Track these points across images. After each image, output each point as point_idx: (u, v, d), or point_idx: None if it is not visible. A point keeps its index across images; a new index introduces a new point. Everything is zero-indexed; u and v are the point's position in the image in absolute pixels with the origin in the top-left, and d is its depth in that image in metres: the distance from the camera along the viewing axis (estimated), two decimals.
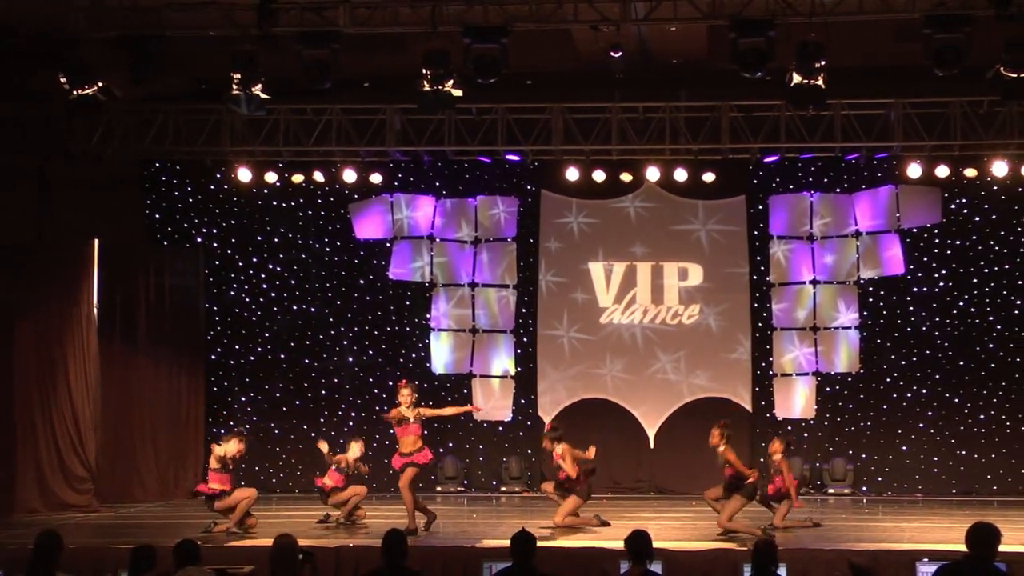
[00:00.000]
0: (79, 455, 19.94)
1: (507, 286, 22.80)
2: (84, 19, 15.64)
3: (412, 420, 16.77)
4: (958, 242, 21.87)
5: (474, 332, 22.79)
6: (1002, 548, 8.52)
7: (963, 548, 8.41)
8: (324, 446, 17.88)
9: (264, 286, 22.80)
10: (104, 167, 20.31)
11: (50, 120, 18.85)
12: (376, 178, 21.39)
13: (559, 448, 17.26)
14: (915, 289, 21.98)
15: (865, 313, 22.14)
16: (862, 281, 22.14)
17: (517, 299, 22.78)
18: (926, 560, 12.49)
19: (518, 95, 19.67)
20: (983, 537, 8.33)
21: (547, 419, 22.32)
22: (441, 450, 22.43)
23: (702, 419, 21.79)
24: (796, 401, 22.15)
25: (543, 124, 19.78)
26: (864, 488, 21.85)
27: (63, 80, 15.43)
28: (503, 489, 22.32)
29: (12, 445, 19.33)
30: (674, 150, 19.99)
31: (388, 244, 22.69)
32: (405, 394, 16.86)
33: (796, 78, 15.16)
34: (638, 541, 9.40)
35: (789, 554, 10.39)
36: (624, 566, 9.68)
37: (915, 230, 21.90)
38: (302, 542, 9.86)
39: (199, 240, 22.64)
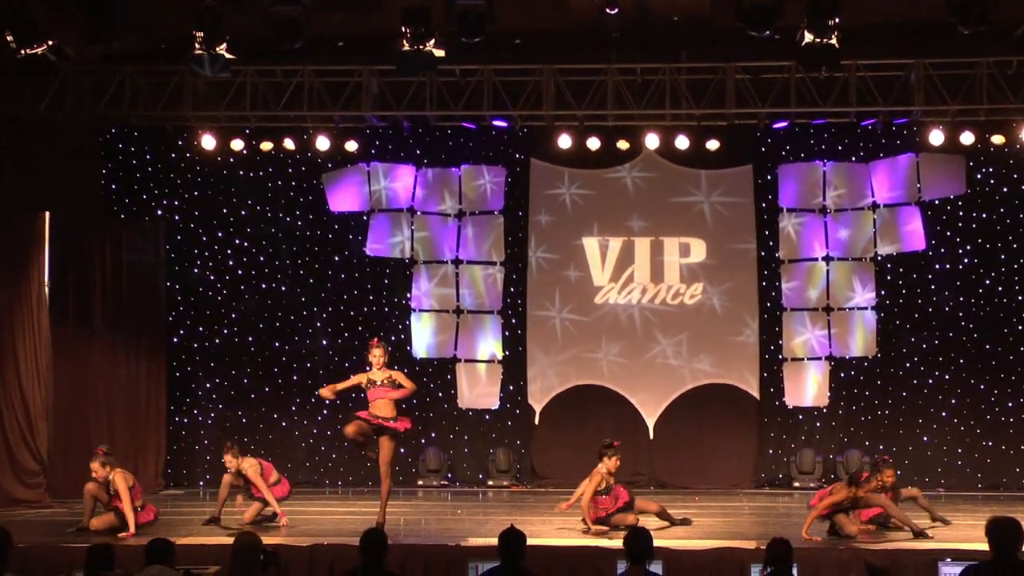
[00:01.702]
0: (29, 446, 19.89)
1: (494, 263, 22.77)
2: None
3: (380, 383, 16.65)
4: (984, 215, 21.89)
5: (458, 313, 22.77)
6: None
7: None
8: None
9: (230, 263, 22.75)
10: (55, 134, 20.24)
11: None
12: (351, 146, 21.29)
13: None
14: (937, 266, 21.99)
15: (883, 292, 22.16)
16: (879, 257, 22.14)
17: (505, 277, 22.76)
18: (949, 560, 12.53)
19: (505, 56, 19.61)
20: (1003, 532, 8.34)
21: (537, 407, 22.38)
22: (423, 441, 22.48)
23: (705, 408, 21.97)
24: (808, 388, 22.17)
25: (533, 87, 19.73)
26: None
27: (9, 38, 15.36)
28: (490, 483, 22.35)
29: None
30: (675, 115, 19.94)
31: (365, 217, 22.65)
32: (377, 355, 16.68)
33: (808, 37, 15.16)
34: (637, 540, 9.41)
35: (801, 554, 10.41)
36: (622, 566, 9.69)
37: (937, 202, 21.91)
38: (271, 541, 9.86)
39: (159, 213, 22.55)
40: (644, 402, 22.31)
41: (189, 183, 22.63)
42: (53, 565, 14.36)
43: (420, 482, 22.22)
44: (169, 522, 17.30)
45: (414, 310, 22.77)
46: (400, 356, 22.32)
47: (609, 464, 16.84)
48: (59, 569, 14.11)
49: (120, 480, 16.63)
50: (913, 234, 21.95)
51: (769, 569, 9.51)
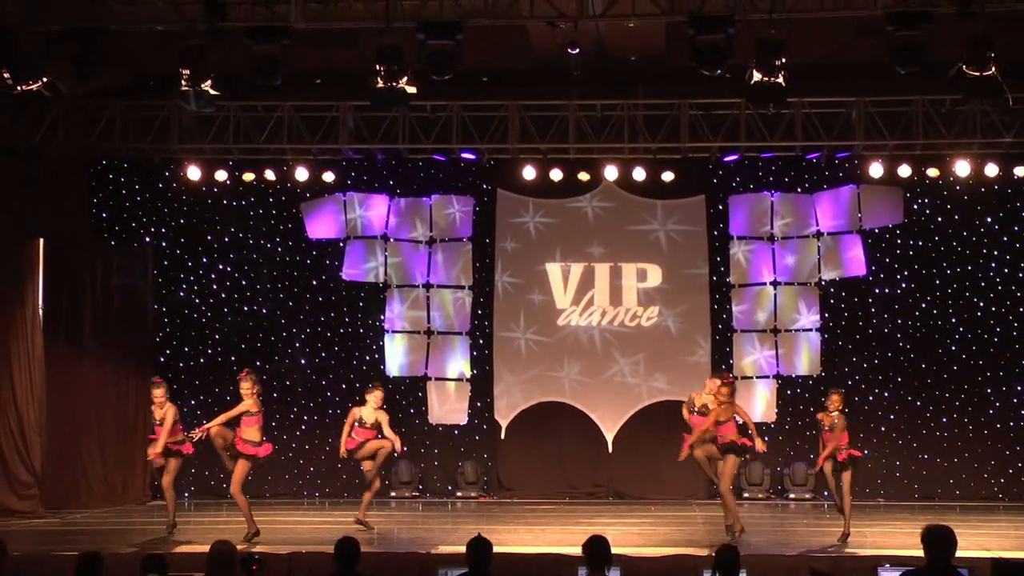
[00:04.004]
0: (23, 460, 19.76)
1: (463, 287, 22.77)
2: (27, 11, 15.49)
3: (253, 412, 16.81)
4: (920, 243, 22.01)
5: (429, 334, 22.74)
6: (965, 554, 8.56)
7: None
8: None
9: (214, 287, 22.70)
10: (49, 164, 20.18)
11: None
12: (329, 176, 21.34)
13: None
14: (876, 291, 22.10)
15: (826, 315, 22.23)
16: (823, 282, 22.23)
17: (473, 300, 22.76)
18: (888, 566, 12.52)
19: (473, 92, 19.66)
20: (938, 539, 8.36)
21: (503, 423, 22.34)
22: (396, 454, 22.39)
23: (661, 423, 21.94)
24: (756, 404, 22.17)
25: (499, 122, 19.78)
26: (826, 493, 21.86)
27: (6, 75, 15.30)
28: (458, 494, 22.30)
29: None
30: (632, 149, 20.04)
31: (341, 244, 22.63)
32: (246, 387, 16.87)
33: (756, 76, 15.18)
34: (596, 547, 9.37)
35: (748, 560, 10.41)
36: (582, 572, 9.66)
37: (877, 231, 22.02)
38: (255, 549, 9.81)
39: (147, 240, 22.51)
40: (603, 418, 22.31)
41: (175, 211, 22.60)
42: (45, 573, 14.27)
43: (392, 493, 22.15)
44: (155, 531, 17.20)
45: (387, 331, 22.72)
46: (374, 375, 22.33)
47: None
48: None
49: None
50: (854, 261, 22.03)
51: (718, 574, 9.51)
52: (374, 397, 17.54)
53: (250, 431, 16.83)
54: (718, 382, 17.12)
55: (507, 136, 19.85)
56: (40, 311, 20.34)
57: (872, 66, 16.58)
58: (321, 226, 22.61)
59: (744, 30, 15.02)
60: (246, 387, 16.90)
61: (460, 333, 22.78)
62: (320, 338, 22.72)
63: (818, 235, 22.25)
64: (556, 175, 20.81)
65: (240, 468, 16.88)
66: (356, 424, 17.46)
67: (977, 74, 14.80)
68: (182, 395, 22.36)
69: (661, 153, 20.16)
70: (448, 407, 22.63)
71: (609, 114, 19.78)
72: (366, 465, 17.72)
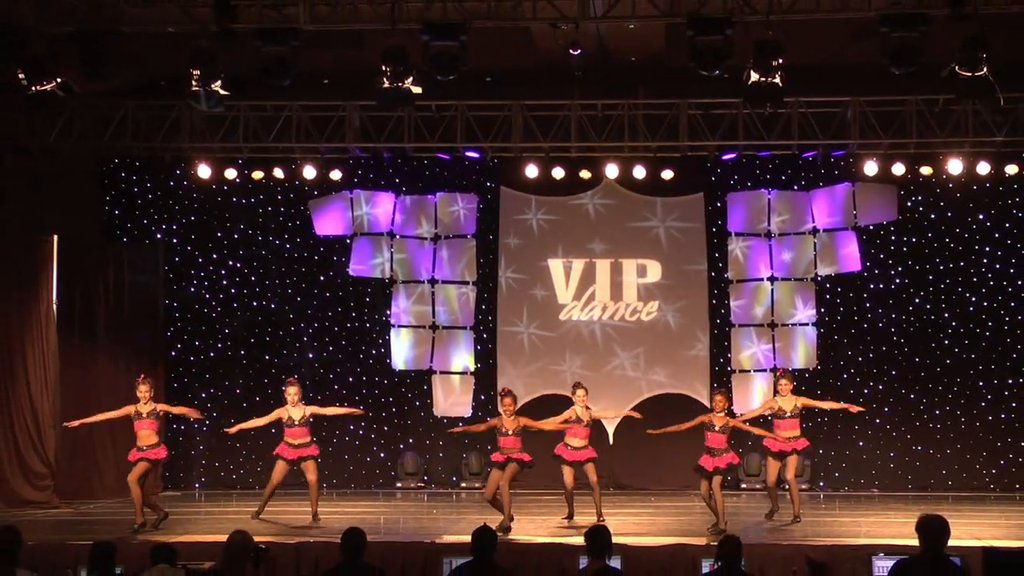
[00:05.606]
0: (38, 451, 19.82)
1: (467, 283, 22.77)
2: (40, 13, 15.50)
3: (145, 416, 17.07)
4: (914, 239, 22.02)
5: (434, 328, 22.75)
6: (957, 543, 8.59)
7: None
8: None
9: (224, 283, 22.74)
10: (63, 163, 20.21)
11: (6, 115, 18.70)
12: (336, 174, 21.35)
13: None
14: (871, 286, 22.11)
15: (822, 310, 22.24)
16: (819, 278, 22.24)
17: (477, 295, 22.77)
18: (882, 555, 12.58)
19: (477, 92, 19.66)
20: (932, 529, 8.40)
21: None
22: (401, 446, 22.47)
23: (660, 415, 21.92)
24: (754, 397, 22.18)
25: (502, 121, 19.79)
26: (821, 483, 21.96)
27: (20, 75, 15.32)
28: (463, 485, 22.31)
29: None
30: (633, 147, 20.04)
31: (348, 240, 22.65)
32: (143, 390, 17.16)
33: (754, 76, 15.20)
34: (597, 536, 9.41)
35: (745, 549, 10.41)
36: (583, 561, 9.69)
37: (871, 227, 22.03)
38: (261, 539, 9.83)
39: (159, 237, 22.56)
40: (604, 410, 22.27)
41: (186, 209, 22.65)
42: (60, 561, 14.31)
43: (399, 484, 22.19)
44: (168, 520, 17.23)
45: (393, 326, 22.73)
46: (380, 368, 22.42)
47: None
48: (65, 565, 14.07)
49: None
50: (850, 257, 22.04)
51: (719, 564, 9.54)
52: (580, 395, 18.02)
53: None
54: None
55: (510, 135, 19.87)
56: (54, 307, 20.39)
57: (867, 67, 16.60)
58: (328, 223, 22.63)
59: (742, 32, 15.05)
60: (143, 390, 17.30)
61: (464, 328, 22.79)
62: (327, 332, 22.75)
63: (814, 231, 22.25)
64: (558, 173, 20.81)
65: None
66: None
67: (969, 74, 14.84)
68: (192, 388, 22.46)
69: (661, 152, 20.16)
70: (453, 400, 22.65)
71: (610, 114, 19.80)
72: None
